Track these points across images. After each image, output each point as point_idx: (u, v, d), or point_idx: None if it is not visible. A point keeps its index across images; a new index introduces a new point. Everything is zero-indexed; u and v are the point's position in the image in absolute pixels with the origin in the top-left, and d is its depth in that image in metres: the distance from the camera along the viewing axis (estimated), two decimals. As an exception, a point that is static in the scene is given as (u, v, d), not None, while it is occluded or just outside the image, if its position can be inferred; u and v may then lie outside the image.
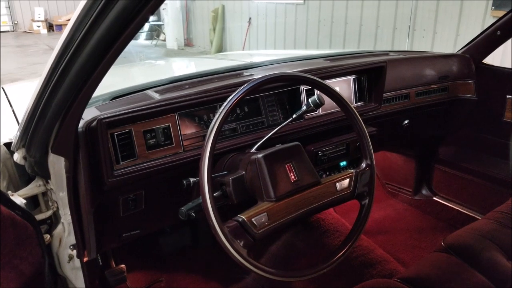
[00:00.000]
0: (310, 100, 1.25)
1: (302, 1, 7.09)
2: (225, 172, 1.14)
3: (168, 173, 1.23)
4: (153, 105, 1.15)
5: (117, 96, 1.31)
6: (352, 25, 6.27)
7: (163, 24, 10.94)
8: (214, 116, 1.20)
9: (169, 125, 1.20)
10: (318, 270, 1.08)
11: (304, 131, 1.44)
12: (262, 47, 8.40)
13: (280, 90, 1.41)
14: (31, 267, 1.12)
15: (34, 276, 1.14)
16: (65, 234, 1.25)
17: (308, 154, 1.18)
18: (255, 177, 1.06)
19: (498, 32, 1.87)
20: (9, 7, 13.37)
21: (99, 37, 0.73)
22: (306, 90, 1.44)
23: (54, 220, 1.32)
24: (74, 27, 0.76)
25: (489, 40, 1.94)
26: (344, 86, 1.56)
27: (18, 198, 1.16)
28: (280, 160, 1.08)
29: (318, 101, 1.24)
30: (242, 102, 1.33)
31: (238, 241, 0.96)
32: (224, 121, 1.02)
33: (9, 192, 1.19)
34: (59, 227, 1.27)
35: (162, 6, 9.68)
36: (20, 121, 1.10)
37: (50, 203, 1.28)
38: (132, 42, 0.75)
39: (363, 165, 1.21)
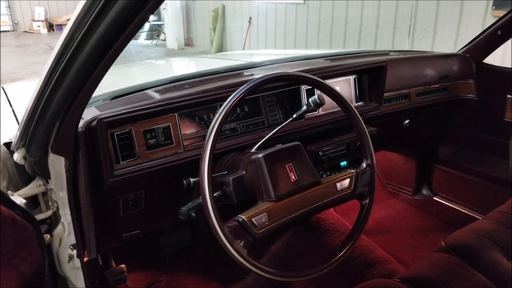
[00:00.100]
0: (310, 100, 1.25)
1: (302, 1, 7.09)
2: (225, 172, 1.14)
3: (168, 173, 1.23)
4: (153, 105, 1.15)
5: (117, 96, 1.31)
6: (353, 25, 6.27)
7: (163, 24, 10.94)
8: (214, 116, 1.20)
9: (169, 125, 1.20)
10: (318, 270, 1.07)
11: (304, 131, 1.44)
12: (262, 47, 8.40)
13: (280, 90, 1.41)
14: (31, 267, 1.12)
15: (34, 276, 1.14)
16: (65, 234, 1.25)
17: (309, 154, 1.18)
18: (255, 177, 1.06)
19: (499, 32, 1.87)
20: (9, 7, 13.37)
21: (98, 37, 0.73)
22: (306, 90, 1.44)
23: (54, 220, 1.32)
24: (74, 27, 0.76)
25: (490, 40, 1.94)
26: (344, 86, 1.56)
27: (18, 198, 1.16)
28: (281, 160, 1.08)
29: (318, 101, 1.24)
30: (242, 102, 1.33)
31: (238, 241, 0.96)
32: (224, 121, 1.02)
33: (9, 192, 1.19)
34: (59, 227, 1.27)
35: (162, 6, 9.70)
36: (20, 120, 1.10)
37: (50, 203, 1.28)
38: (132, 42, 0.75)
39: (364, 165, 1.21)
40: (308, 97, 1.41)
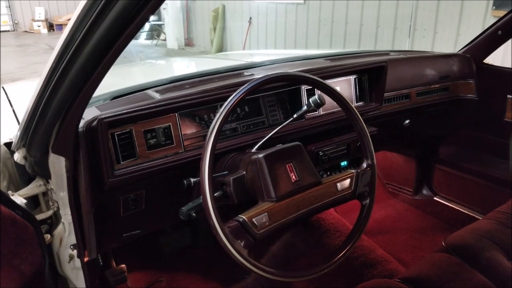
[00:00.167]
0: (311, 100, 1.25)
1: (302, 1, 7.09)
2: (226, 172, 1.14)
3: (168, 173, 1.23)
4: (153, 105, 1.15)
5: (117, 96, 1.31)
6: (353, 25, 6.27)
7: (163, 24, 10.94)
8: (214, 116, 1.20)
9: (169, 125, 1.20)
10: (319, 270, 1.07)
11: (304, 131, 1.44)
12: (262, 47, 8.39)
13: (280, 90, 1.41)
14: (32, 267, 1.12)
15: (35, 276, 1.14)
16: (65, 234, 1.25)
17: (309, 154, 1.18)
18: (256, 177, 1.06)
19: (499, 32, 1.87)
20: (9, 7, 13.37)
21: (99, 37, 0.73)
22: (306, 90, 1.44)
23: (54, 220, 1.32)
24: (74, 27, 0.76)
25: (490, 40, 1.93)
26: (344, 86, 1.56)
27: (19, 198, 1.16)
28: (281, 160, 1.08)
29: (319, 101, 1.24)
30: (243, 102, 1.33)
31: (239, 241, 0.96)
32: (225, 121, 1.02)
33: (10, 192, 1.19)
34: (60, 227, 1.27)
35: (163, 6, 9.69)
36: (20, 120, 1.10)
37: (50, 203, 1.28)
38: (133, 42, 0.75)
39: (364, 165, 1.21)
40: (308, 97, 1.41)
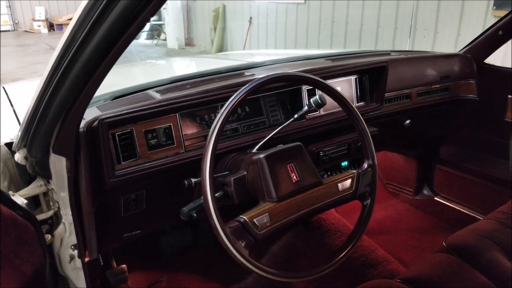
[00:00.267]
0: (311, 100, 1.25)
1: (303, 1, 7.09)
2: (227, 172, 1.14)
3: (169, 173, 1.23)
4: (154, 105, 1.15)
5: (118, 96, 1.31)
6: (353, 24, 6.27)
7: (163, 24, 10.94)
8: (215, 116, 1.20)
9: (170, 125, 1.20)
10: (320, 271, 1.07)
11: (305, 131, 1.44)
12: (263, 47, 8.39)
13: (281, 90, 1.41)
14: (32, 267, 1.12)
15: (35, 276, 1.14)
16: (66, 234, 1.25)
17: (310, 154, 1.18)
18: (257, 178, 1.05)
19: (500, 32, 1.87)
20: (10, 7, 13.38)
21: (100, 37, 0.73)
22: (307, 90, 1.44)
23: (55, 220, 1.32)
24: (76, 27, 0.76)
25: (491, 40, 1.93)
26: (345, 86, 1.55)
27: (19, 198, 1.16)
28: (282, 160, 1.08)
29: (319, 101, 1.24)
30: (244, 102, 1.33)
31: (240, 241, 0.96)
32: (226, 121, 1.02)
33: (10, 192, 1.19)
34: (60, 227, 1.26)
35: (163, 6, 9.68)
36: (21, 121, 1.10)
37: (51, 203, 1.28)
38: (133, 42, 0.75)
39: (365, 165, 1.21)
40: (309, 97, 1.41)
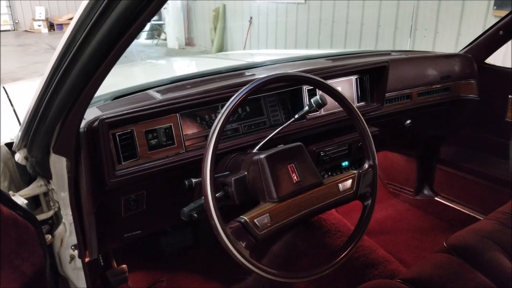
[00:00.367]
0: (312, 100, 1.25)
1: (303, 1, 7.09)
2: (227, 173, 1.14)
3: (169, 174, 1.23)
4: (154, 105, 1.15)
5: (118, 96, 1.31)
6: (353, 24, 6.27)
7: (164, 24, 10.93)
8: (216, 116, 1.20)
9: (170, 125, 1.20)
10: (320, 271, 1.07)
11: (306, 131, 1.44)
12: (263, 47, 8.39)
13: (282, 90, 1.40)
14: (33, 268, 1.12)
15: (36, 277, 1.14)
16: (66, 234, 1.25)
17: (310, 154, 1.18)
18: (257, 178, 1.05)
19: (501, 32, 1.86)
20: (10, 6, 13.38)
21: (101, 37, 0.73)
22: (308, 90, 1.44)
23: (55, 220, 1.32)
24: (76, 27, 0.75)
25: (492, 40, 1.93)
26: (346, 86, 1.55)
27: (20, 198, 1.16)
28: (282, 161, 1.08)
29: (320, 101, 1.24)
30: (244, 102, 1.33)
31: (241, 242, 0.96)
32: (226, 121, 1.02)
33: (11, 192, 1.19)
34: (61, 227, 1.26)
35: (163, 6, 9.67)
36: (21, 121, 1.10)
37: (51, 203, 1.28)
38: (133, 41, 0.75)
39: (366, 165, 1.21)
40: (310, 98, 1.41)
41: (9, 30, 13.41)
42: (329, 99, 1.24)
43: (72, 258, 1.26)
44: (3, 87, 1.83)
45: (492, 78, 1.99)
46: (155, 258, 1.97)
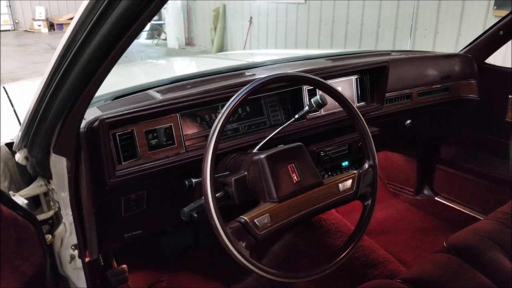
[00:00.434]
0: (312, 100, 1.25)
1: (303, 1, 7.09)
2: (227, 173, 1.14)
3: (170, 174, 1.23)
4: (155, 105, 1.15)
5: (119, 96, 1.31)
6: (354, 24, 6.27)
7: (164, 23, 10.93)
8: (216, 116, 1.20)
9: (171, 125, 1.20)
10: (321, 271, 1.07)
11: (306, 131, 1.44)
12: (263, 47, 8.39)
13: (282, 90, 1.41)
14: (33, 268, 1.12)
15: (36, 277, 1.14)
16: (66, 234, 1.25)
17: (310, 154, 1.18)
18: (258, 178, 1.05)
19: (501, 32, 1.86)
20: (10, 6, 13.38)
21: (101, 37, 0.73)
22: (308, 90, 1.44)
23: (55, 220, 1.32)
24: (76, 28, 0.75)
25: (492, 40, 1.93)
26: (346, 86, 1.55)
27: (20, 198, 1.16)
28: (283, 161, 1.08)
29: (320, 101, 1.24)
30: (244, 102, 1.33)
31: (241, 242, 0.96)
32: (226, 121, 1.02)
33: (11, 192, 1.19)
34: (61, 227, 1.26)
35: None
36: (21, 121, 1.10)
37: (51, 203, 1.28)
38: (134, 41, 0.74)
39: (366, 165, 1.21)
40: (310, 98, 1.41)
41: (9, 30, 13.41)
42: (329, 99, 1.24)
43: (72, 258, 1.26)
44: (3, 87, 1.83)
45: (492, 78, 1.99)
46: (155, 258, 1.97)
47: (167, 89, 1.34)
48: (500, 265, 1.22)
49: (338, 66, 1.53)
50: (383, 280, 1.51)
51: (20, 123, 1.33)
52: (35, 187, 1.23)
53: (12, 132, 1.25)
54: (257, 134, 1.33)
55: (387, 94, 1.67)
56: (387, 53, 2.00)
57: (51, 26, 13.53)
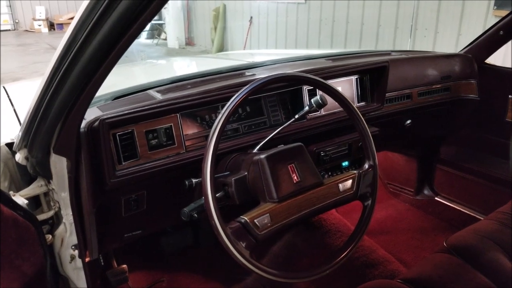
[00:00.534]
0: (312, 100, 1.25)
1: (303, 0, 7.09)
2: (227, 173, 1.14)
3: (170, 174, 1.23)
4: (155, 105, 1.15)
5: (119, 96, 1.31)
6: (354, 24, 6.27)
7: (164, 23, 10.93)
8: (216, 116, 1.20)
9: (171, 125, 1.20)
10: (321, 271, 1.07)
11: (306, 131, 1.44)
12: (263, 47, 8.39)
13: (282, 90, 1.40)
14: (33, 268, 1.12)
15: (36, 277, 1.14)
16: (67, 234, 1.25)
17: (310, 154, 1.18)
18: (258, 178, 1.05)
19: (501, 32, 1.86)
20: (10, 6, 13.38)
21: (101, 37, 0.73)
22: (308, 90, 1.44)
23: (56, 220, 1.32)
24: (77, 28, 0.75)
25: (492, 40, 1.93)
26: (346, 86, 1.55)
27: (20, 198, 1.16)
28: (283, 161, 1.08)
29: (320, 101, 1.24)
30: (244, 102, 1.33)
31: (241, 242, 0.96)
32: (227, 121, 1.02)
33: (11, 193, 1.19)
34: (61, 227, 1.26)
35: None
36: (22, 121, 1.10)
37: (52, 203, 1.28)
38: (134, 41, 0.75)
39: (366, 165, 1.21)
40: (310, 98, 1.41)
41: (9, 30, 13.41)
42: (329, 99, 1.24)
43: (72, 258, 1.27)
44: (3, 87, 1.82)
45: (492, 78, 1.99)
46: (156, 258, 1.97)
47: (167, 89, 1.34)
48: (500, 265, 1.22)
49: (338, 66, 1.53)
50: (383, 280, 1.51)
51: (20, 123, 1.33)
52: (35, 187, 1.24)
53: (12, 132, 1.25)
54: (257, 134, 1.33)
55: (387, 94, 1.67)
56: (387, 53, 2.00)
57: (51, 26, 13.53)
